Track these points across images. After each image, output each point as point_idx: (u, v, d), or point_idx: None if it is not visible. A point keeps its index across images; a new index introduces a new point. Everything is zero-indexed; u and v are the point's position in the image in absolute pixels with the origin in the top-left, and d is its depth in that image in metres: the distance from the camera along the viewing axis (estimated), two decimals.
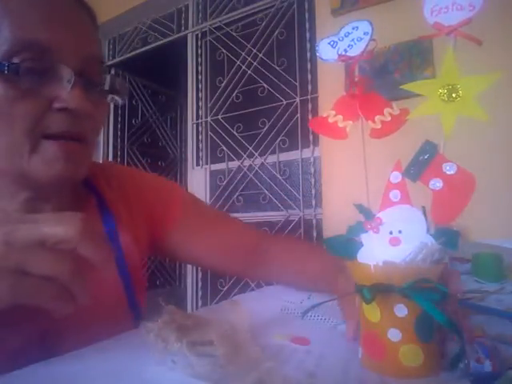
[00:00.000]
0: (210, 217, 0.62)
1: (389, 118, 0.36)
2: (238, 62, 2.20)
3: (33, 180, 0.40)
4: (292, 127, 1.99)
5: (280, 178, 2.02)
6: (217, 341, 0.28)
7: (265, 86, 2.09)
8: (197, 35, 2.41)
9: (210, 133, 2.29)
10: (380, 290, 0.30)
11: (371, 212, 0.33)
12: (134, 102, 3.04)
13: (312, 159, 1.88)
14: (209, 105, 2.33)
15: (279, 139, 2.02)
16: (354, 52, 0.38)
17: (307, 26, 1.97)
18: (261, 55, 2.12)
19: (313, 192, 1.89)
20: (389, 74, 1.68)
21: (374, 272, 0.30)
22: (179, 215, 0.58)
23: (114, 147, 2.83)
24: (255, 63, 2.13)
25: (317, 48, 0.40)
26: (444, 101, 0.33)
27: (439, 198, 0.31)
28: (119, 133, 2.89)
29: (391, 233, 0.31)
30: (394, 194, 0.33)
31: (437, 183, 0.31)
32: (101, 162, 0.60)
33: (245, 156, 2.12)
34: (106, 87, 0.45)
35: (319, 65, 1.89)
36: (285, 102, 2.01)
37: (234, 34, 2.24)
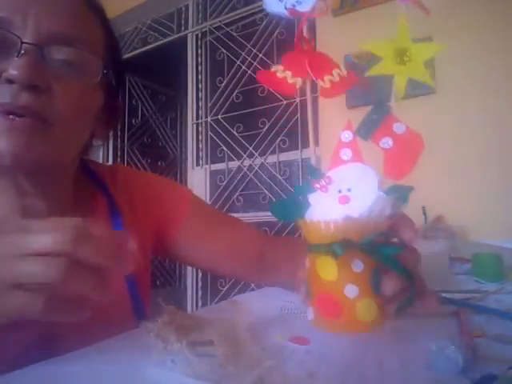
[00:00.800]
0: (216, 221, 0.61)
1: (337, 79, 0.36)
2: (238, 62, 2.20)
3: None
4: (292, 127, 1.99)
5: (280, 178, 2.02)
6: (217, 341, 0.28)
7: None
8: (197, 35, 2.41)
9: (209, 133, 2.29)
10: (349, 246, 0.29)
11: (320, 171, 0.33)
12: (133, 101, 3.04)
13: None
14: (209, 105, 2.33)
15: (279, 139, 2.02)
16: (303, 8, 0.38)
17: (307, 25, 1.97)
18: (261, 55, 2.12)
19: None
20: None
21: (334, 229, 0.29)
22: (186, 219, 0.57)
23: (114, 147, 2.83)
24: (255, 63, 2.13)
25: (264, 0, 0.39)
26: (396, 63, 0.33)
27: (390, 156, 0.31)
28: (119, 133, 2.89)
29: (340, 191, 0.31)
30: (345, 153, 0.33)
31: (387, 142, 0.32)
32: (108, 163, 0.60)
33: (245, 156, 2.12)
34: (87, 69, 0.43)
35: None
36: (285, 102, 2.01)
37: (234, 33, 2.24)
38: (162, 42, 2.57)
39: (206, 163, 2.30)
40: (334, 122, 1.83)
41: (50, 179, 0.45)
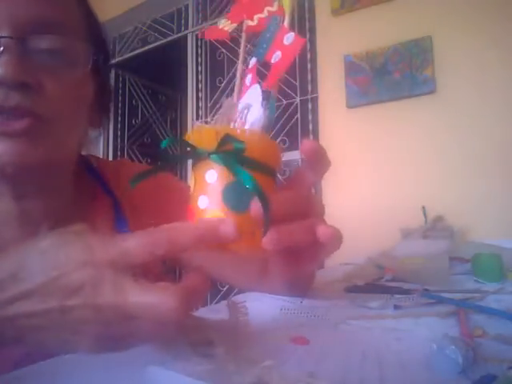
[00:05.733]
0: None
1: (266, 15, 0.36)
2: (238, 62, 2.20)
3: None
4: (292, 127, 1.99)
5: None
6: (217, 341, 0.28)
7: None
8: (197, 35, 2.41)
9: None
10: (198, 154, 0.29)
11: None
12: (133, 101, 3.04)
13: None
14: (209, 105, 2.33)
15: (279, 139, 2.02)
16: None
17: (307, 25, 1.97)
18: None
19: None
20: (389, 74, 1.68)
21: (193, 137, 0.30)
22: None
23: (114, 147, 2.83)
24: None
25: None
26: None
27: (275, 68, 0.32)
28: (119, 133, 2.89)
29: (241, 117, 0.31)
30: (248, 79, 0.34)
31: (278, 55, 0.32)
32: (111, 160, 0.59)
33: None
34: (74, 56, 0.40)
35: (319, 65, 1.89)
36: (285, 102, 2.01)
37: (234, 33, 2.24)
38: (161, 41, 2.57)
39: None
40: (334, 122, 1.84)
41: (49, 180, 0.44)
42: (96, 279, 0.23)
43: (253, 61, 0.34)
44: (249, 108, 0.30)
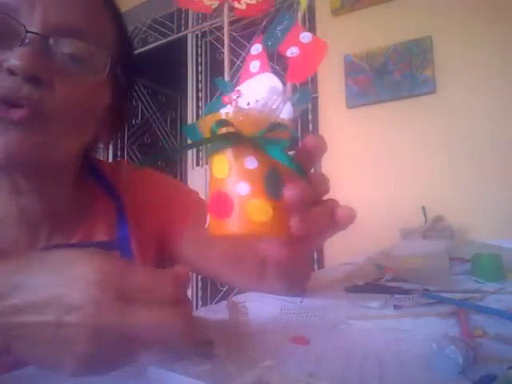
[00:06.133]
0: None
1: (254, 2, 0.36)
2: (238, 62, 2.20)
3: None
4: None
5: None
6: (217, 341, 0.28)
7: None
8: (197, 35, 2.41)
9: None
10: (236, 138, 0.28)
11: (231, 85, 0.33)
12: (133, 101, 3.04)
13: None
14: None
15: None
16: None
17: (307, 25, 1.97)
18: None
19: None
20: (389, 74, 1.69)
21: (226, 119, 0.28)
22: (190, 222, 0.55)
23: (114, 147, 2.83)
24: None
25: None
26: None
27: (294, 62, 0.32)
28: (119, 133, 2.89)
29: (249, 104, 0.30)
30: (254, 65, 0.33)
31: (294, 51, 0.32)
32: (114, 160, 0.58)
33: None
34: (94, 64, 0.41)
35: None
36: None
37: (234, 33, 2.24)
38: (161, 42, 2.57)
39: (206, 163, 2.30)
40: (334, 121, 1.84)
41: (50, 180, 0.44)
42: (98, 301, 0.23)
43: (257, 48, 0.34)
44: (278, 97, 0.30)
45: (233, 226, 0.28)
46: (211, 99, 2.33)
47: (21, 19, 0.37)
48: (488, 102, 1.49)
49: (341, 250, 1.28)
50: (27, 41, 0.36)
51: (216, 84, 0.33)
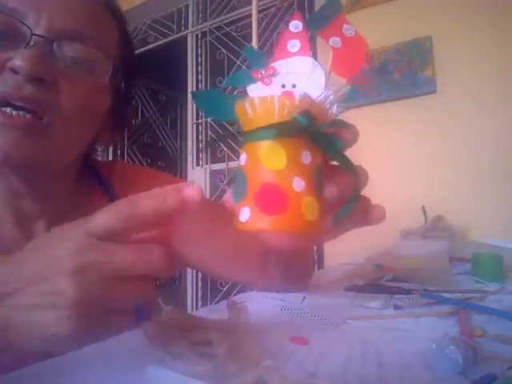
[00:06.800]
0: (218, 219, 0.58)
1: None
2: (238, 62, 2.20)
3: None
4: None
5: None
6: (217, 341, 0.28)
7: None
8: (197, 35, 2.41)
9: (209, 133, 2.30)
10: (303, 129, 0.25)
11: (264, 59, 0.29)
12: (133, 102, 3.04)
13: None
14: None
15: None
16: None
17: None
18: None
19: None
20: (389, 74, 1.68)
21: (288, 108, 0.25)
22: (189, 216, 0.55)
23: (114, 147, 2.83)
24: None
25: None
26: None
27: (339, 54, 0.29)
28: (119, 136, 2.89)
29: (284, 86, 0.27)
30: (293, 44, 0.29)
31: (337, 41, 0.29)
32: (109, 160, 0.59)
33: None
34: (97, 68, 0.42)
35: None
36: None
37: (234, 33, 2.24)
38: (162, 41, 2.57)
39: (206, 163, 2.30)
40: None
41: (47, 180, 0.44)
42: (80, 248, 0.25)
43: (297, 25, 0.29)
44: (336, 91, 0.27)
45: (287, 223, 0.25)
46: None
47: (27, 22, 0.38)
48: (488, 102, 1.49)
49: (341, 250, 1.28)
50: (32, 43, 0.37)
51: (245, 54, 0.29)
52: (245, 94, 0.28)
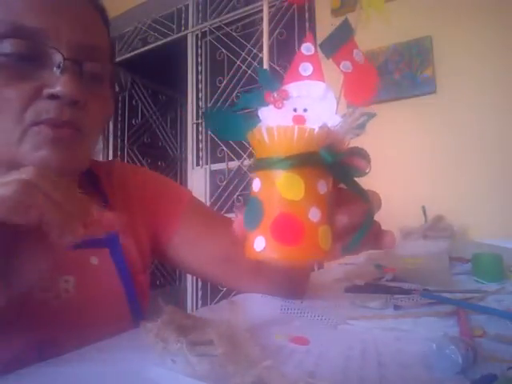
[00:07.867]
0: (213, 223, 0.58)
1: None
2: (238, 62, 2.20)
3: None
4: None
5: None
6: (217, 341, 0.28)
7: None
8: (197, 35, 2.41)
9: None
10: (322, 161, 0.25)
11: (276, 82, 0.29)
12: (133, 101, 3.04)
13: None
14: (209, 105, 2.33)
15: None
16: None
17: (307, 26, 1.97)
18: (261, 55, 2.12)
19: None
20: (389, 74, 1.68)
21: (307, 138, 0.25)
22: (182, 220, 0.55)
23: (114, 147, 2.83)
24: (255, 63, 2.13)
25: None
26: None
27: (350, 79, 0.29)
28: (119, 133, 2.89)
29: (295, 110, 0.27)
30: (305, 68, 0.29)
31: (348, 65, 0.29)
32: (103, 160, 0.59)
33: (245, 156, 2.12)
34: (106, 79, 0.45)
35: None
36: None
37: (234, 34, 2.24)
38: (162, 41, 2.57)
39: (206, 163, 2.30)
40: None
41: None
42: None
43: (309, 48, 0.29)
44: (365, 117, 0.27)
45: (303, 253, 0.26)
46: (211, 99, 2.32)
47: (49, 43, 0.39)
48: (488, 101, 1.49)
49: None
50: (61, 68, 0.39)
51: (259, 75, 0.29)
52: (255, 115, 0.28)
